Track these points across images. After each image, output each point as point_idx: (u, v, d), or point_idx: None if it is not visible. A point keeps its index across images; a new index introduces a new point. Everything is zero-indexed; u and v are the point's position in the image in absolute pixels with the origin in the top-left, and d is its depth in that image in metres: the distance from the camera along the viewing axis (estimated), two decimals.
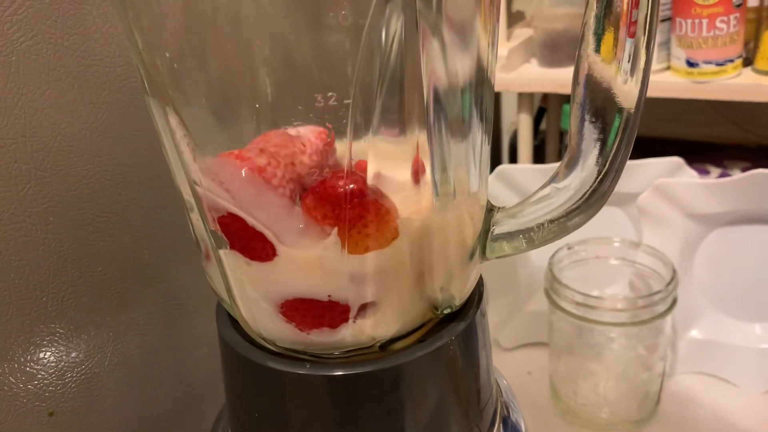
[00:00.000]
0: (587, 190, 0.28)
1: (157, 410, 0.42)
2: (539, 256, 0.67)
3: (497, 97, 1.10)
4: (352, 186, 0.25)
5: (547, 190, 0.29)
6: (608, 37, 0.25)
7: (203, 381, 0.45)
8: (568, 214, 0.28)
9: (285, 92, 0.24)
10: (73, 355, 0.37)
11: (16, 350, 0.34)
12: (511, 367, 0.65)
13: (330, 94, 0.23)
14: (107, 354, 0.39)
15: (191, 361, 0.45)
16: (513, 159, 1.05)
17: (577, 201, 0.28)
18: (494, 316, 0.67)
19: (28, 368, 0.34)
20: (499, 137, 1.12)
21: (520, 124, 0.84)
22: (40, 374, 0.35)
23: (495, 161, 0.67)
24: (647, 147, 0.63)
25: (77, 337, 0.37)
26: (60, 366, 0.36)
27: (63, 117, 0.34)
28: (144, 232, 0.40)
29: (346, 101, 0.22)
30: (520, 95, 0.83)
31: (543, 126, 1.04)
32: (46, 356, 0.35)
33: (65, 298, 0.36)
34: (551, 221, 0.29)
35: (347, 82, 0.22)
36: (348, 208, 0.25)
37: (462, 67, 0.26)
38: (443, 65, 0.25)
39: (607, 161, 0.27)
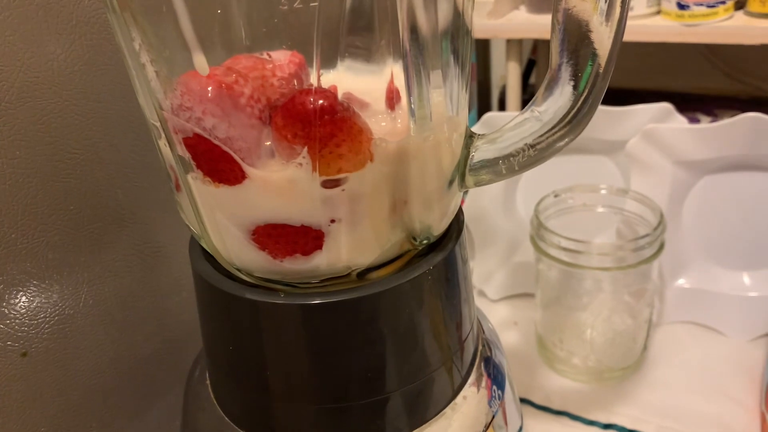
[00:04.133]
0: (566, 114, 0.27)
1: (135, 354, 0.42)
2: (525, 207, 0.67)
3: (486, 47, 1.08)
4: (322, 102, 0.23)
5: (525, 115, 0.28)
6: None
7: (182, 325, 0.45)
8: (547, 138, 0.27)
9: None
10: (47, 295, 0.36)
11: None
12: (498, 318, 0.65)
13: None
14: (82, 296, 0.38)
15: (170, 306, 0.44)
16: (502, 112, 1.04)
17: (556, 125, 0.27)
18: (480, 267, 0.66)
19: None
20: (489, 92, 1.10)
21: (508, 72, 0.82)
22: (12, 313, 0.34)
23: (483, 111, 0.66)
24: (636, 100, 0.61)
25: (50, 277, 0.36)
26: (33, 306, 0.35)
27: (27, 47, 0.33)
28: (118, 171, 0.39)
29: (312, 4, 0.21)
30: (509, 43, 0.81)
31: (532, 80, 1.02)
32: (18, 296, 0.34)
33: (36, 236, 0.35)
34: (531, 146, 0.28)
35: None
36: (318, 125, 0.24)
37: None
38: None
39: (587, 84, 0.26)
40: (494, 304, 0.67)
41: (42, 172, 0.34)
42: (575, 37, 0.26)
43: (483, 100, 1.08)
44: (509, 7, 0.81)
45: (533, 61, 1.02)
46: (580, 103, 0.27)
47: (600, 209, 0.58)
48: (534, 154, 0.28)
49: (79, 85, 0.35)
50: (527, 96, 0.92)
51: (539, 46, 1.00)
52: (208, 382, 0.34)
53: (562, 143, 0.27)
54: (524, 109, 0.28)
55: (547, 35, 0.27)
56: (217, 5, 0.22)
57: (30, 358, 0.35)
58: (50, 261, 0.36)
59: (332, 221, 0.26)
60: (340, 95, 0.25)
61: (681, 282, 0.60)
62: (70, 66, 0.35)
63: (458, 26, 0.27)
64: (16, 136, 0.33)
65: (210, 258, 0.31)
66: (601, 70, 0.26)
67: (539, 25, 0.76)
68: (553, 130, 0.27)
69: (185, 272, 0.44)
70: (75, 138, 0.36)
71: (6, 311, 0.34)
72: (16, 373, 0.35)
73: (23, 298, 0.35)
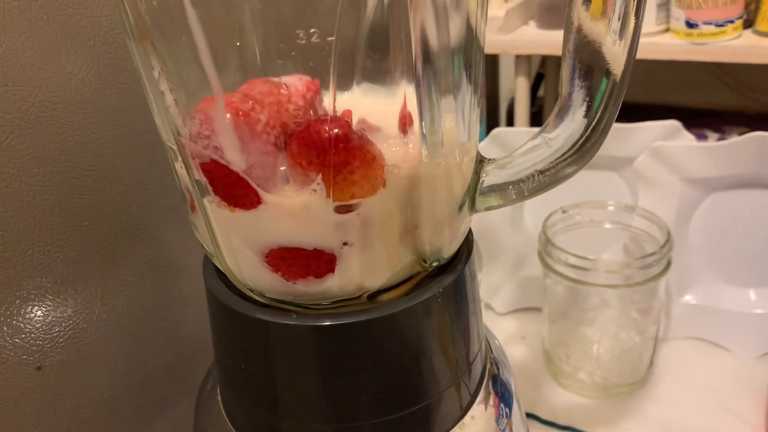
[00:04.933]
0: (576, 141, 0.27)
1: (146, 368, 0.42)
2: (533, 222, 0.67)
3: (495, 62, 1.09)
4: (336, 130, 0.24)
5: (537, 141, 0.28)
6: None
7: (193, 339, 0.45)
8: (557, 165, 0.28)
9: (268, 31, 0.23)
10: (61, 309, 0.36)
11: (2, 303, 0.33)
12: (505, 331, 0.65)
13: (312, 30, 0.22)
14: (95, 310, 0.38)
15: (181, 320, 0.44)
16: (510, 125, 1.04)
17: (567, 152, 0.28)
18: (488, 281, 0.67)
19: (15, 322, 0.34)
20: (497, 105, 1.11)
21: (517, 87, 0.82)
22: (27, 327, 0.35)
23: (492, 128, 0.66)
24: (647, 114, 0.62)
25: (65, 291, 0.36)
26: (48, 320, 0.36)
27: (46, 66, 0.33)
28: (132, 187, 0.39)
29: (329, 38, 0.22)
30: (518, 58, 0.81)
31: (541, 93, 1.03)
32: (33, 310, 0.35)
33: (52, 251, 0.35)
34: (541, 172, 0.28)
35: (331, 19, 0.22)
36: (333, 153, 0.24)
37: (452, 20, 0.25)
38: (432, 16, 0.24)
39: (598, 110, 0.27)
40: (501, 318, 0.67)
41: (59, 188, 0.35)
42: (588, 59, 0.26)
43: (491, 113, 1.09)
44: (519, 22, 0.81)
45: (541, 74, 1.03)
46: (592, 127, 0.27)
47: (608, 225, 0.59)
48: (544, 180, 0.28)
49: (95, 104, 0.36)
50: (535, 109, 0.93)
51: (548, 60, 1.01)
52: (219, 398, 0.35)
53: (571, 170, 0.28)
54: (535, 135, 0.29)
55: (555, 51, 0.28)
56: (236, 37, 0.23)
57: (45, 371, 0.36)
58: (65, 276, 0.36)
59: (344, 245, 0.27)
60: (354, 119, 0.25)
61: (688, 298, 0.61)
62: (86, 85, 0.35)
63: (471, 42, 0.27)
64: (34, 154, 0.34)
65: (223, 277, 0.31)
66: (616, 88, 0.26)
67: (548, 41, 0.77)
68: (564, 156, 0.28)
69: (196, 287, 0.44)
70: (91, 155, 0.36)
71: (22, 325, 0.35)
72: (31, 386, 0.35)
73: (38, 313, 0.35)
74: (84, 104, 0.35)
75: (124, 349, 0.41)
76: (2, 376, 0.34)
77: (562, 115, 0.28)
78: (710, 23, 0.69)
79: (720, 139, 0.82)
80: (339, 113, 0.25)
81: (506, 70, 1.08)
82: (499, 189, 0.29)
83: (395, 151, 0.27)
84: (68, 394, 0.37)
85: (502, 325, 0.66)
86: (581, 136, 0.28)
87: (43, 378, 0.36)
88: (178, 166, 0.28)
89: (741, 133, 0.53)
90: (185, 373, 0.45)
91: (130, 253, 0.40)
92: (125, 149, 0.38)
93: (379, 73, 0.25)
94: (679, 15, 0.72)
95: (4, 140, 0.32)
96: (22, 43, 0.32)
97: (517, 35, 0.79)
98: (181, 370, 0.45)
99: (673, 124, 0.58)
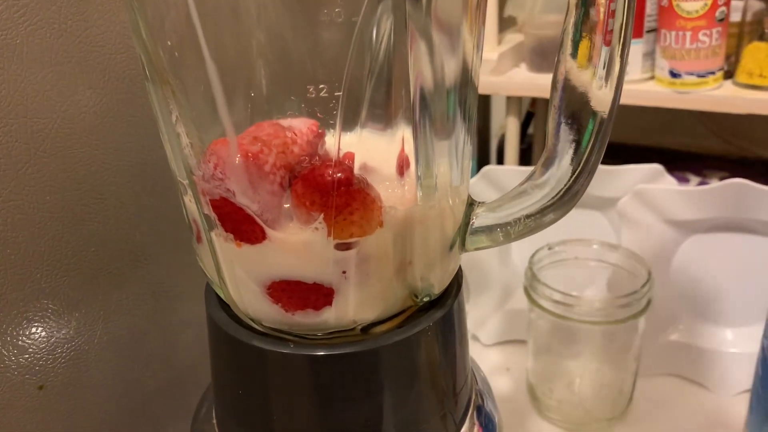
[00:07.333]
0: (561, 189, 0.29)
1: (142, 389, 0.44)
2: (520, 256, 0.69)
3: (486, 100, 1.12)
4: (339, 175, 0.26)
5: (524, 187, 0.30)
6: (585, 45, 0.26)
7: (188, 364, 0.47)
8: (543, 210, 0.30)
9: (280, 83, 0.25)
10: (64, 331, 0.38)
11: (9, 324, 0.35)
12: (491, 363, 0.67)
13: (321, 86, 0.24)
14: (97, 332, 0.40)
15: (177, 344, 0.46)
16: (501, 161, 1.07)
17: (552, 198, 0.30)
18: (475, 313, 0.68)
19: (20, 342, 0.36)
20: (488, 140, 1.13)
21: (507, 126, 0.85)
22: (32, 348, 0.36)
23: (483, 163, 0.69)
24: (631, 155, 0.64)
25: (68, 314, 0.38)
26: (51, 341, 0.37)
27: (63, 100, 0.35)
28: (136, 215, 0.41)
29: (336, 93, 0.24)
30: (509, 99, 0.84)
31: (531, 130, 1.06)
32: (37, 331, 0.36)
33: (58, 275, 0.37)
34: (527, 216, 0.30)
35: (339, 75, 0.24)
36: (335, 195, 0.26)
37: (448, 67, 0.27)
38: (430, 65, 0.26)
39: (581, 162, 0.29)
40: (487, 349, 0.69)
41: (68, 216, 0.37)
42: (575, 104, 0.28)
43: (482, 149, 1.11)
44: (510, 64, 0.84)
45: (531, 113, 1.06)
46: (577, 172, 0.29)
47: (592, 263, 0.61)
48: (530, 224, 0.30)
49: (104, 136, 0.38)
50: (525, 146, 0.96)
51: (537, 101, 1.04)
52: (214, 421, 0.36)
53: (556, 215, 0.30)
54: (522, 182, 0.31)
55: (545, 94, 0.29)
56: (250, 88, 0.25)
57: (46, 390, 0.37)
58: (70, 299, 0.38)
59: (342, 280, 0.28)
60: (356, 163, 0.27)
61: (667, 335, 0.62)
62: (98, 118, 0.37)
63: (466, 85, 0.29)
64: (47, 182, 0.35)
65: (224, 305, 0.33)
66: (603, 126, 0.28)
67: (538, 84, 0.80)
68: (550, 202, 0.30)
69: (194, 312, 0.46)
70: (100, 184, 0.38)
71: (26, 346, 0.36)
72: (33, 405, 0.37)
73: (43, 334, 0.37)
74: (94, 136, 0.37)
75: (122, 371, 0.42)
76: (5, 394, 0.35)
77: (548, 164, 0.30)
78: (692, 74, 0.72)
79: (701, 182, 0.85)
80: (342, 153, 0.27)
81: (497, 107, 1.11)
82: (488, 230, 0.31)
83: (392, 192, 0.29)
84: (68, 414, 0.39)
85: (488, 356, 0.68)
86: (566, 183, 0.30)
87: (44, 397, 0.37)
88: (187, 199, 0.30)
89: (722, 178, 0.56)
90: (179, 396, 0.46)
91: (132, 277, 0.42)
92: (131, 179, 0.40)
93: (380, 118, 0.27)
94: (663, 64, 0.75)
95: (20, 169, 0.34)
96: (44, 77, 0.34)
97: (509, 77, 0.82)
98: (176, 394, 0.46)
99: (656, 167, 0.61)
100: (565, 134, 0.29)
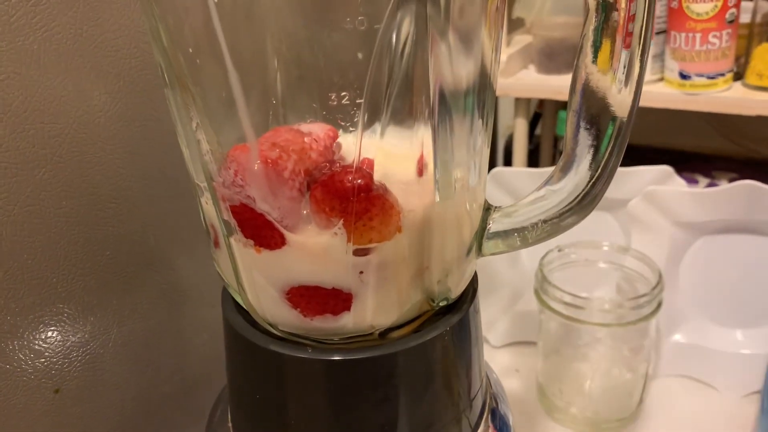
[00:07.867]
0: (580, 193, 0.30)
1: (155, 393, 0.44)
2: (530, 258, 0.69)
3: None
4: (359, 181, 0.26)
5: (542, 192, 0.30)
6: (605, 49, 0.26)
7: (201, 368, 0.47)
8: (561, 215, 0.30)
9: (303, 91, 0.25)
10: (79, 335, 0.38)
11: (26, 328, 0.35)
12: (500, 364, 0.67)
13: (343, 93, 0.24)
14: (111, 336, 0.40)
15: (191, 348, 0.46)
16: (508, 162, 1.07)
17: (570, 203, 0.30)
18: (484, 314, 0.68)
19: (36, 346, 0.36)
20: (495, 141, 1.13)
21: (515, 128, 0.85)
22: (48, 352, 0.36)
23: (490, 164, 0.69)
24: (640, 156, 0.64)
25: (84, 318, 0.38)
26: (66, 345, 0.37)
27: (79, 105, 0.35)
28: (150, 219, 0.41)
29: (358, 100, 0.24)
30: (517, 100, 0.84)
31: (538, 131, 1.06)
32: (53, 335, 0.37)
33: (74, 279, 0.37)
34: (545, 221, 0.30)
35: (360, 82, 0.24)
36: (354, 201, 0.26)
37: (467, 70, 0.27)
38: (449, 68, 0.26)
39: (599, 166, 0.29)
40: (497, 351, 0.69)
41: (83, 220, 0.37)
42: (595, 108, 0.28)
43: (490, 149, 1.11)
44: (518, 66, 0.84)
45: (539, 114, 1.06)
46: (596, 177, 0.29)
47: (602, 265, 0.61)
48: (548, 228, 0.30)
49: (119, 140, 0.38)
50: (532, 146, 0.95)
51: (545, 102, 1.04)
52: (230, 424, 0.36)
53: (574, 220, 0.30)
54: (540, 186, 0.31)
55: (553, 95, 0.30)
56: (272, 95, 0.25)
57: (61, 394, 0.37)
58: (86, 303, 0.38)
59: (361, 285, 0.28)
60: (375, 168, 0.27)
61: (677, 337, 0.62)
62: (113, 122, 0.37)
63: (484, 87, 0.29)
64: (63, 188, 0.35)
65: (240, 309, 0.33)
66: (622, 130, 0.28)
67: (547, 86, 0.80)
68: (568, 207, 0.30)
69: (208, 315, 0.46)
70: (115, 189, 0.38)
71: (42, 350, 0.36)
72: (49, 408, 0.37)
73: (58, 338, 0.37)
74: (109, 140, 0.37)
75: (136, 375, 0.42)
76: (22, 398, 0.36)
77: (566, 169, 0.30)
78: (702, 75, 0.72)
79: (710, 184, 0.85)
80: (361, 158, 0.27)
81: (504, 108, 1.11)
82: (504, 235, 0.31)
83: (411, 198, 0.29)
84: (82, 417, 0.39)
85: (498, 358, 0.68)
86: (585, 187, 0.30)
87: (59, 401, 0.37)
88: (204, 201, 0.30)
89: (730, 179, 0.56)
90: (193, 400, 0.46)
91: (147, 281, 0.42)
92: (146, 183, 0.40)
93: (400, 122, 0.27)
94: (673, 66, 0.75)
95: (37, 174, 0.34)
96: (60, 82, 0.34)
97: (517, 78, 0.82)
98: (189, 397, 0.46)
99: (666, 169, 0.61)
100: (584, 139, 0.29)
